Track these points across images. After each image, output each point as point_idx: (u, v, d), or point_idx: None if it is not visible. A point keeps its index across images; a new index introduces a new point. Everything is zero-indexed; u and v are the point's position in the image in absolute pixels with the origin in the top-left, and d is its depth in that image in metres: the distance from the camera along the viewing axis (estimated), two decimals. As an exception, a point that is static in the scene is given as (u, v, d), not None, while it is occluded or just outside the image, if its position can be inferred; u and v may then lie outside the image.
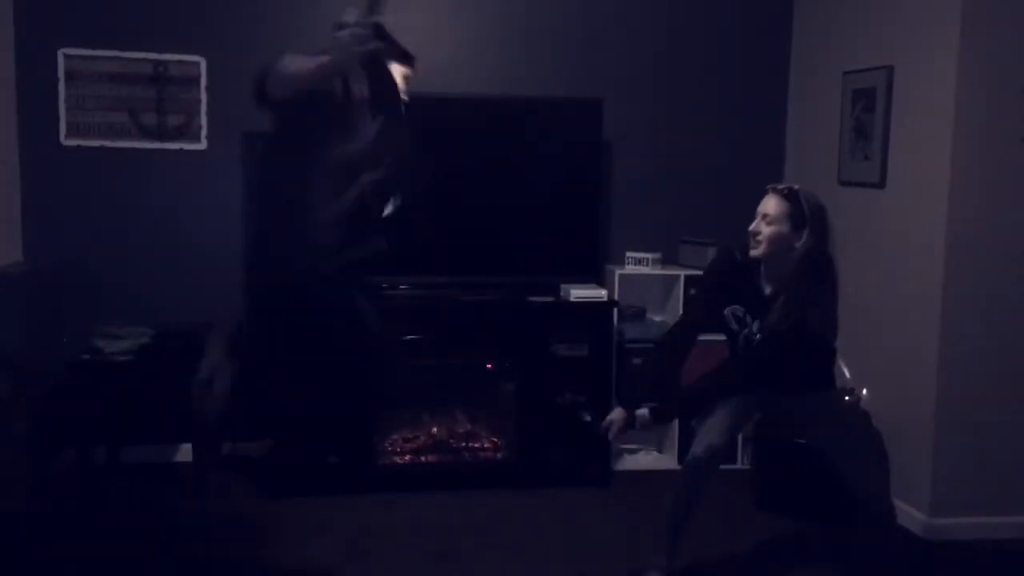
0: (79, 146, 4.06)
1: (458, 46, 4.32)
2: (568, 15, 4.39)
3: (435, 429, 4.11)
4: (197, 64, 4.11)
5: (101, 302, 4.02)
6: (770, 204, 2.64)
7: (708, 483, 2.95)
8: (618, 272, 4.26)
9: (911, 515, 3.59)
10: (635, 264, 4.31)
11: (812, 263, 2.60)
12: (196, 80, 4.11)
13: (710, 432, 2.92)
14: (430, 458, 4.04)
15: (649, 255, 4.31)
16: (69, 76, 4.02)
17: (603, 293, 4.08)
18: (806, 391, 2.81)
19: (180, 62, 4.09)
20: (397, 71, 2.45)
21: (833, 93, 4.14)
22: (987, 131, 3.43)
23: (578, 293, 4.04)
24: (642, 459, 4.42)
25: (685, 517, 2.98)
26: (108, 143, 4.08)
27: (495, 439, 4.11)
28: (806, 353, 2.70)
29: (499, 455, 4.08)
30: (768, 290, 2.70)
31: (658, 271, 4.33)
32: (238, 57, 4.12)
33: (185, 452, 4.13)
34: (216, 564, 3.22)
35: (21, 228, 4.04)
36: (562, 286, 4.11)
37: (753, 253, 2.66)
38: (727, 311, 2.78)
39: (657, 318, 4.44)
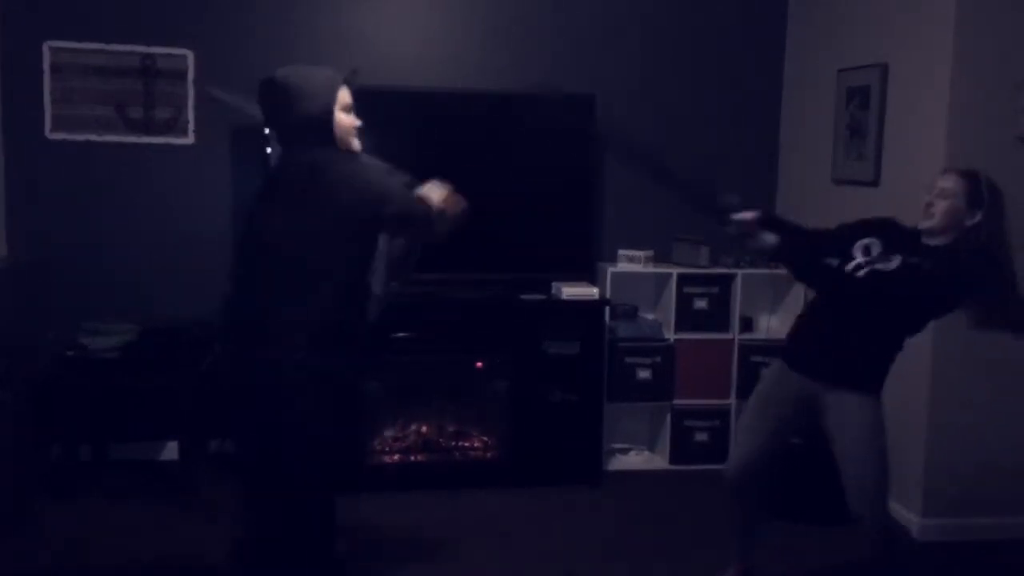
0: (65, 140, 4.01)
1: (450, 41, 4.28)
2: (561, 10, 4.35)
3: (425, 428, 4.08)
4: (185, 57, 4.06)
5: (87, 298, 3.98)
6: (949, 180, 2.61)
7: (755, 494, 2.89)
8: (610, 270, 4.23)
9: (904, 516, 3.58)
10: (627, 262, 4.28)
11: (982, 243, 2.56)
12: (184, 74, 4.06)
13: (744, 444, 2.86)
14: (419, 457, 4.01)
15: (641, 253, 4.28)
16: (54, 69, 3.97)
17: (594, 291, 4.05)
18: (858, 385, 2.68)
19: (168, 55, 4.04)
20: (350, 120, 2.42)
21: (827, 91, 4.12)
22: (981, 129, 3.41)
23: (570, 291, 4.01)
24: (633, 459, 4.39)
25: (743, 522, 2.95)
26: (94, 137, 4.03)
27: (485, 438, 4.08)
28: (906, 316, 2.61)
29: (489, 454, 4.05)
30: (927, 245, 2.62)
31: (650, 269, 4.30)
32: (226, 50, 4.09)
33: (172, 449, 4.09)
34: (203, 564, 3.19)
35: (5, 223, 3.99)
36: (554, 284, 4.08)
37: (924, 224, 2.61)
38: (859, 243, 2.69)
39: (649, 316, 4.41)
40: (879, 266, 2.62)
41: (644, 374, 4.21)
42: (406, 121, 4.01)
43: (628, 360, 4.19)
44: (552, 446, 3.99)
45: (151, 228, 4.09)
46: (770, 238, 2.67)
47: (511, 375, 3.97)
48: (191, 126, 4.10)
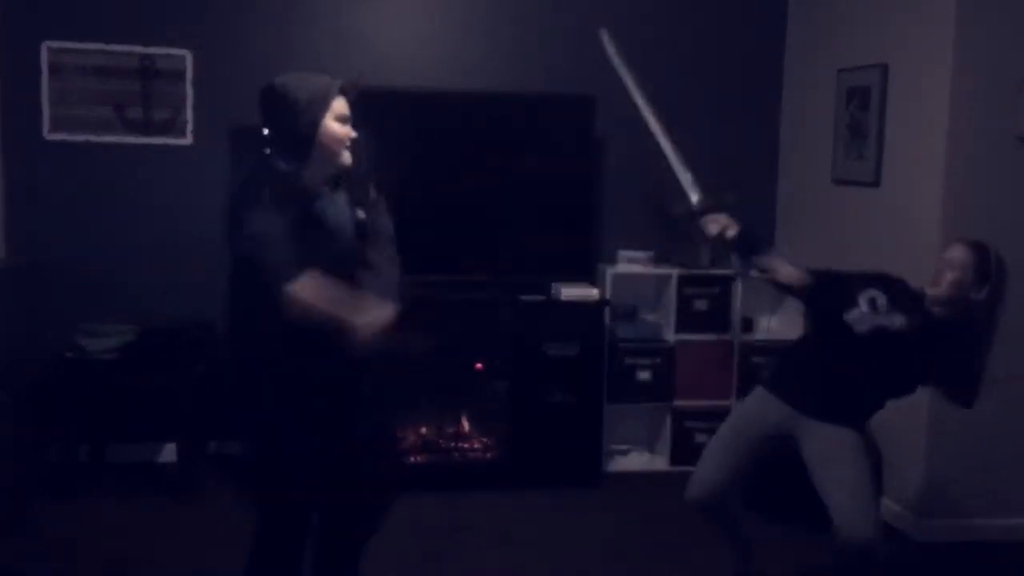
0: (63, 140, 4.00)
1: (450, 41, 4.27)
2: (561, 11, 4.34)
3: (424, 429, 4.07)
4: (183, 57, 4.05)
5: (85, 299, 3.97)
6: (960, 251, 2.61)
7: (722, 512, 2.85)
8: (610, 271, 4.22)
9: (901, 516, 3.57)
10: (627, 263, 4.27)
11: (982, 317, 2.58)
12: (182, 74, 4.05)
13: (711, 470, 2.78)
14: (419, 458, 4.00)
15: (642, 254, 4.27)
16: (53, 69, 3.96)
17: (594, 292, 4.04)
18: (841, 422, 2.66)
19: (166, 55, 4.03)
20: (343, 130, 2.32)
21: (827, 91, 4.11)
22: (982, 129, 3.41)
23: (569, 292, 4.00)
24: (633, 460, 4.38)
25: (722, 533, 2.93)
26: (92, 138, 4.02)
27: (485, 439, 4.07)
28: (899, 378, 2.64)
29: (489, 455, 4.04)
30: (930, 313, 2.63)
31: (651, 270, 4.29)
32: (225, 51, 4.08)
33: (170, 451, 4.08)
34: (202, 565, 3.17)
35: (3, 224, 3.98)
36: (553, 285, 4.07)
37: (931, 292, 2.61)
38: (863, 293, 2.65)
39: (649, 317, 4.40)
40: (884, 322, 2.61)
41: (644, 375, 4.20)
42: (406, 122, 4.00)
43: (628, 361, 4.18)
44: (552, 447, 3.98)
45: (149, 229, 4.07)
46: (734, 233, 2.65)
47: (511, 376, 3.96)
48: (189, 127, 4.09)
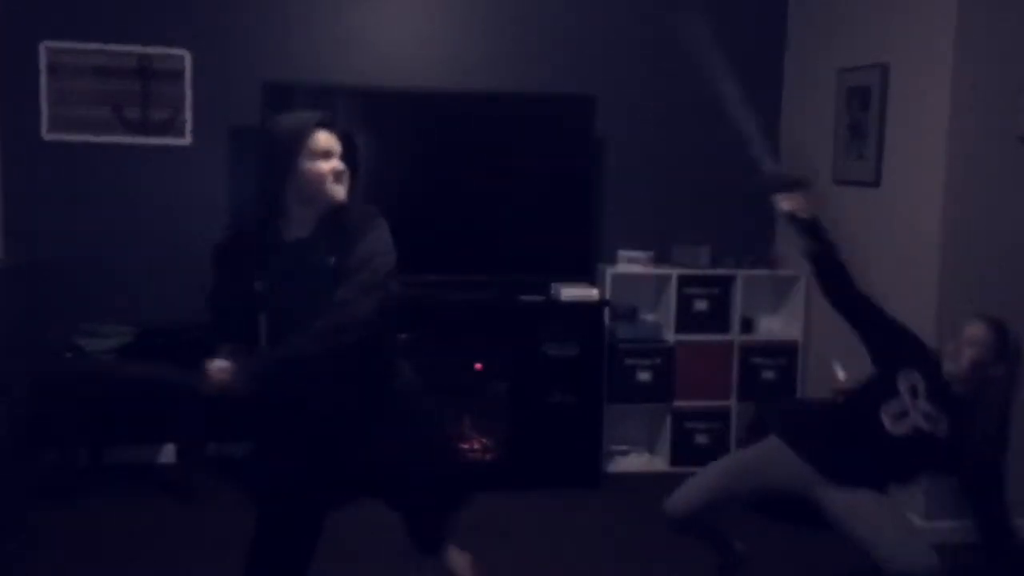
0: (61, 141, 3.99)
1: (450, 41, 4.26)
2: (561, 11, 4.33)
3: (424, 430, 4.05)
4: (182, 57, 4.04)
5: (83, 300, 3.96)
6: (979, 328, 2.60)
7: (703, 528, 2.82)
8: (610, 271, 4.21)
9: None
10: (627, 263, 4.26)
11: (1000, 397, 2.57)
12: (181, 74, 4.04)
13: (699, 494, 2.70)
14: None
15: (641, 254, 4.26)
16: (51, 69, 3.94)
17: (594, 293, 4.04)
18: (867, 486, 2.62)
19: (165, 55, 4.02)
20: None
21: (828, 91, 4.10)
22: (983, 129, 3.40)
23: (569, 293, 4.00)
24: (633, 461, 4.37)
25: (703, 542, 2.90)
26: (91, 138, 4.01)
27: (485, 439, 4.06)
28: (932, 467, 2.65)
29: (489, 456, 4.03)
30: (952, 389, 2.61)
31: (650, 270, 4.28)
32: (224, 51, 4.07)
33: (169, 453, 4.07)
34: (200, 567, 3.16)
35: (2, 224, 3.97)
36: (553, 285, 4.06)
37: (950, 369, 2.60)
38: (903, 374, 2.63)
39: (649, 317, 4.39)
40: (924, 425, 2.58)
41: (644, 375, 4.19)
42: (406, 122, 3.99)
43: (628, 361, 4.17)
44: (552, 448, 3.97)
45: (148, 229, 4.06)
46: (811, 243, 2.65)
47: (511, 377, 3.95)
48: (188, 127, 4.07)
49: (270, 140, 2.21)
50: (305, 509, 2.38)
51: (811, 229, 2.69)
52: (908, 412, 2.60)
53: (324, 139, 2.20)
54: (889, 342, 2.71)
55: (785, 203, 2.70)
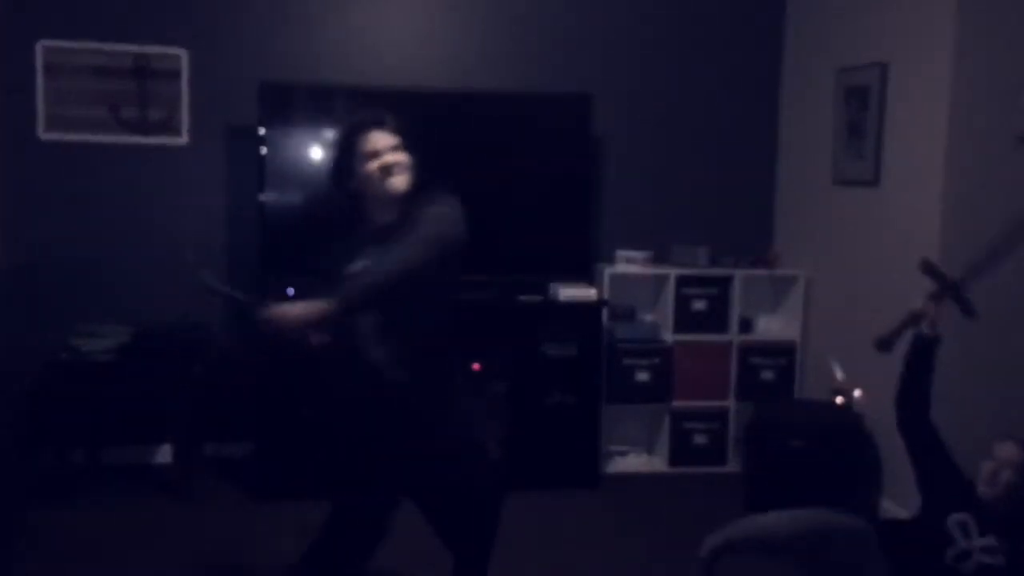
0: (58, 140, 3.97)
1: (450, 41, 4.25)
2: (560, 11, 4.33)
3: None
4: (179, 57, 4.03)
5: (80, 300, 3.95)
6: (1014, 451, 2.57)
7: None
8: (608, 271, 4.20)
9: (902, 516, 3.55)
10: (626, 263, 4.26)
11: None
12: (178, 73, 4.03)
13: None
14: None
15: (640, 254, 4.26)
16: (48, 69, 3.93)
17: (592, 293, 4.03)
18: None
19: (161, 55, 4.01)
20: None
21: (826, 90, 4.10)
22: (982, 129, 3.39)
23: (567, 293, 3.99)
24: (632, 461, 4.37)
25: None
26: (88, 137, 4.00)
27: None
28: None
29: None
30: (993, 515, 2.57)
31: (649, 270, 4.28)
32: (221, 50, 4.06)
33: (166, 452, 4.06)
34: (197, 567, 3.15)
35: (-2, 224, 3.96)
36: (551, 285, 4.05)
37: (986, 493, 2.56)
38: (952, 519, 2.57)
39: (648, 317, 4.39)
40: (988, 560, 2.52)
41: (642, 376, 4.19)
42: (405, 121, 3.96)
43: (626, 362, 4.17)
44: (550, 448, 3.96)
45: (145, 229, 4.05)
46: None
47: (509, 377, 3.94)
48: (185, 126, 4.06)
49: (333, 149, 2.40)
50: (377, 498, 2.52)
51: (932, 348, 2.68)
52: (971, 553, 2.54)
53: (372, 140, 2.34)
54: (944, 482, 2.67)
55: (926, 307, 2.66)
